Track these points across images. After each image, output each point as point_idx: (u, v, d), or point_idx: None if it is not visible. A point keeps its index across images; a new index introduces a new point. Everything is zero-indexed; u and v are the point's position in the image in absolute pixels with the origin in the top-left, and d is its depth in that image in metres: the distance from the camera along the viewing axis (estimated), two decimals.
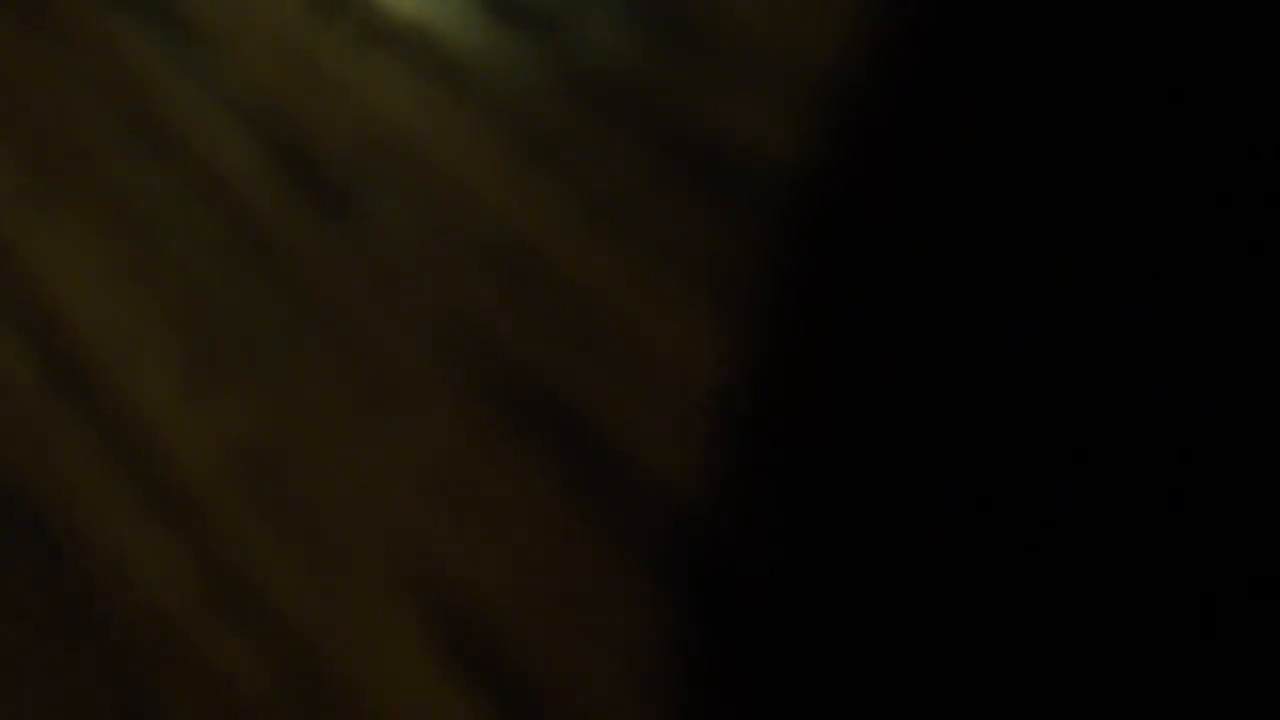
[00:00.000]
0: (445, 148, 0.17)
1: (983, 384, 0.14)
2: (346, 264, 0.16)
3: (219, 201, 0.17)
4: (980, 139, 0.15)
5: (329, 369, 0.15)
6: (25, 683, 0.15)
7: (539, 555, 0.14)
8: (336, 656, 0.14)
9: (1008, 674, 0.12)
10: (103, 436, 0.16)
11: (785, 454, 0.14)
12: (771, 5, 0.16)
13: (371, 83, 0.17)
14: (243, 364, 0.16)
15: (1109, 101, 0.15)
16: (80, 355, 0.16)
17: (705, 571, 0.13)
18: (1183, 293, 0.14)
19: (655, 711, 0.13)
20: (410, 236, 0.16)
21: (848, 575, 0.13)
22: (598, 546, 0.14)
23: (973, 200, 0.15)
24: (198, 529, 0.15)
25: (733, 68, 0.16)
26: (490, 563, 0.14)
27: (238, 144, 0.17)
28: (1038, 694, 0.12)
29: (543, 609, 0.14)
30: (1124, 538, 0.13)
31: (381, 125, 0.17)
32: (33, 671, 0.15)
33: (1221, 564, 0.12)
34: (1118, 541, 0.13)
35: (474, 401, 0.15)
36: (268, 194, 0.17)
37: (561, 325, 0.15)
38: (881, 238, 0.15)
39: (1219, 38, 0.15)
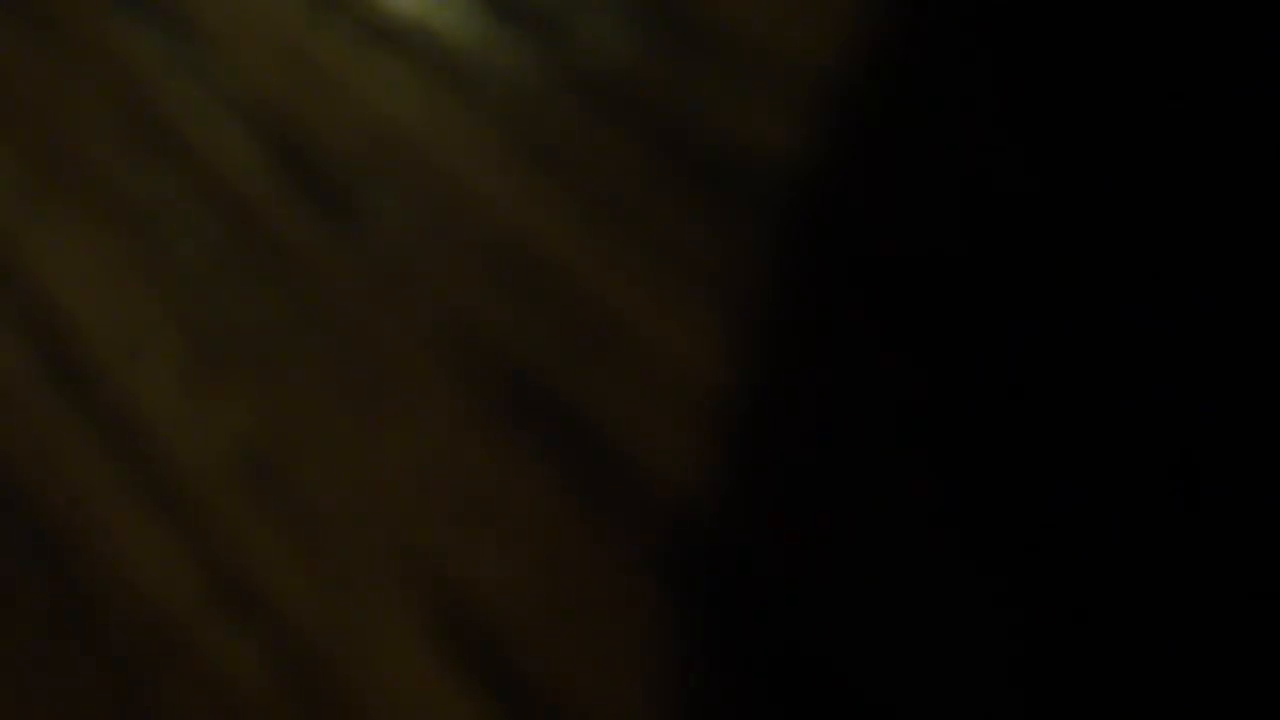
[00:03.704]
0: (446, 147, 0.17)
1: (984, 383, 0.14)
2: (347, 263, 0.16)
3: (219, 201, 0.17)
4: (980, 139, 0.15)
5: (329, 368, 0.15)
6: (25, 682, 0.15)
7: (540, 555, 0.14)
8: (338, 656, 0.14)
9: (1010, 673, 0.12)
10: (103, 436, 0.16)
11: (785, 454, 0.14)
12: (771, 5, 0.16)
13: (372, 82, 0.17)
14: (243, 363, 0.16)
15: (1109, 100, 0.15)
16: (81, 355, 0.16)
17: (706, 571, 0.13)
18: (1183, 293, 0.14)
19: (657, 711, 0.13)
20: (410, 236, 0.16)
21: (848, 574, 0.13)
22: (598, 546, 0.14)
23: (973, 200, 0.15)
24: (198, 528, 0.15)
25: (733, 68, 0.16)
26: (491, 562, 0.14)
27: (238, 144, 0.17)
28: (1041, 692, 0.12)
29: (544, 609, 0.14)
30: (1125, 537, 0.13)
31: (382, 124, 0.17)
32: (33, 671, 0.15)
33: (1222, 563, 0.12)
34: (1119, 541, 0.13)
35: (475, 401, 0.15)
36: (268, 193, 0.17)
37: (562, 325, 0.15)
38: (881, 238, 0.15)
39: (1218, 38, 0.15)
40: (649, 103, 0.16)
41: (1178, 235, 0.14)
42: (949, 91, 0.15)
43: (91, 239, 0.17)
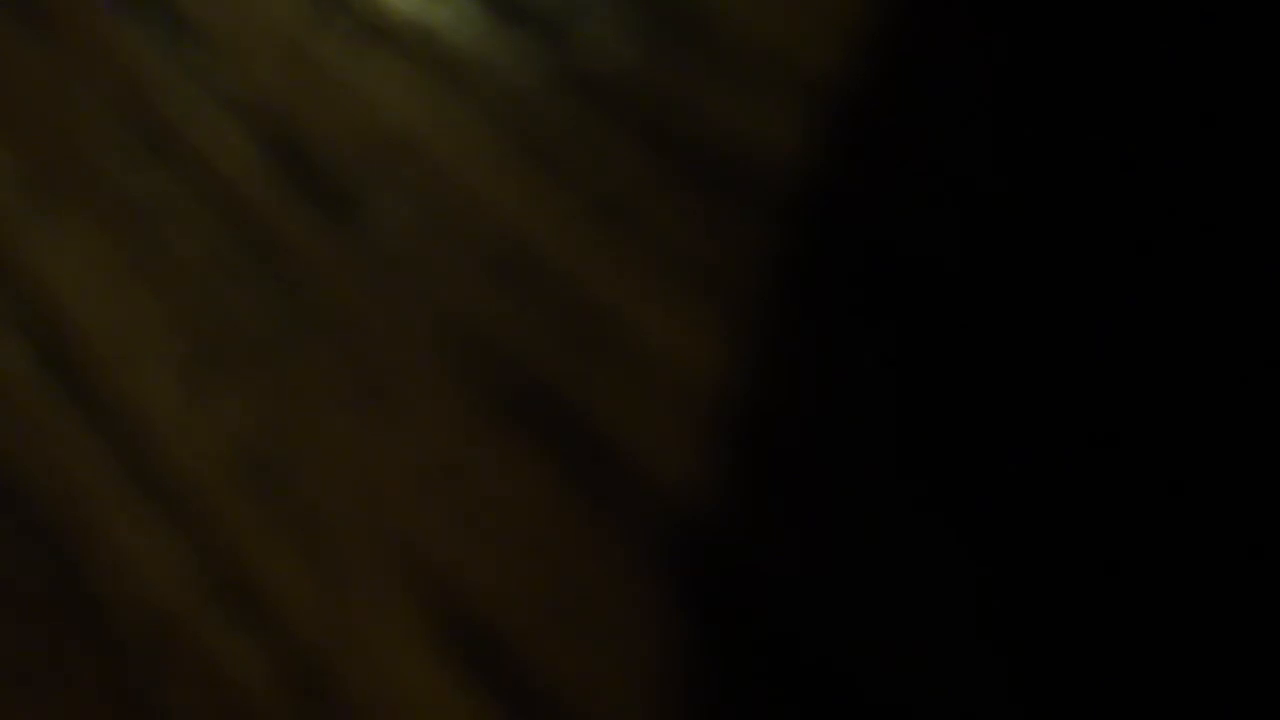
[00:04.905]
0: (445, 147, 0.17)
1: (984, 383, 0.14)
2: (346, 263, 0.16)
3: (219, 201, 0.17)
4: (981, 138, 0.15)
5: (329, 369, 0.15)
6: (25, 683, 0.15)
7: (541, 556, 0.14)
8: (338, 656, 0.14)
9: (1011, 674, 0.12)
10: (104, 436, 0.16)
11: (785, 454, 0.14)
12: (772, 5, 0.16)
13: (372, 82, 0.17)
14: (243, 363, 0.16)
15: (1111, 99, 0.15)
16: (81, 355, 0.16)
17: (707, 572, 0.13)
18: (1184, 292, 0.14)
19: (656, 711, 0.13)
20: (410, 235, 0.16)
21: (849, 574, 0.13)
22: (598, 546, 0.14)
23: (973, 200, 0.15)
24: (198, 528, 0.15)
25: (733, 68, 0.16)
26: (492, 564, 0.14)
27: (238, 144, 0.17)
28: (1041, 693, 0.12)
29: (543, 608, 0.14)
30: (1126, 536, 0.13)
31: (382, 124, 0.17)
32: (33, 671, 0.15)
33: (1223, 561, 0.12)
34: (1119, 540, 0.13)
35: (474, 401, 0.15)
36: (268, 193, 0.17)
37: (561, 325, 0.15)
38: (881, 238, 0.15)
39: (1220, 39, 0.15)
40: (649, 103, 0.16)
41: (1179, 234, 0.14)
42: (949, 91, 0.15)
43: (91, 239, 0.17)
